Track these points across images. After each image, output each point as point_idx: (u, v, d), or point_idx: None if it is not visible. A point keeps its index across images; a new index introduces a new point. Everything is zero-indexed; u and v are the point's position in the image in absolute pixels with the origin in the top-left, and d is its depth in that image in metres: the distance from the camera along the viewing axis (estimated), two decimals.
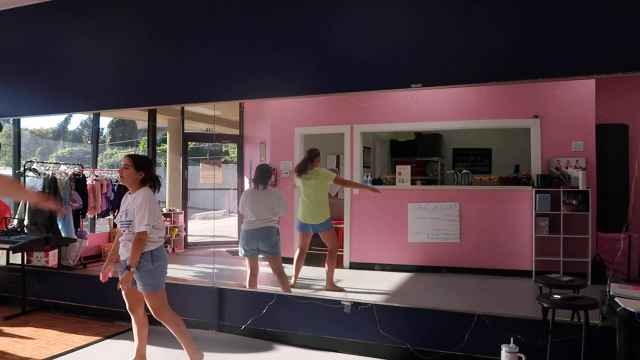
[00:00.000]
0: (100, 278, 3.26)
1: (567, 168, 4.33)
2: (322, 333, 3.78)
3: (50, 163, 5.47)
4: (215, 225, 4.85)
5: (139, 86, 4.53)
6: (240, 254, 4.29)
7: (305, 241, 4.60)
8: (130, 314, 3.23)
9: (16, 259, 4.88)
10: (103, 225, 5.98)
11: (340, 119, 5.02)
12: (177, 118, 6.04)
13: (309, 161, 4.54)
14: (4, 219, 5.16)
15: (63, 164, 5.45)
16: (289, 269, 4.46)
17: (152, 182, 3.17)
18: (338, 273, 4.57)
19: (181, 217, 6.11)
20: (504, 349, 3.01)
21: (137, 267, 3.06)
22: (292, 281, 4.48)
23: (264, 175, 4.32)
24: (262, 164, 4.77)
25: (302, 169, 4.56)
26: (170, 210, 6.11)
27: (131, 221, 3.06)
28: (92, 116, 6.28)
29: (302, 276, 4.69)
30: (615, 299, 2.58)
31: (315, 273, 4.81)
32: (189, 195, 6.17)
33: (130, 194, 3.16)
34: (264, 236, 4.20)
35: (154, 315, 3.14)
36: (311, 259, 5.21)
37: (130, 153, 3.78)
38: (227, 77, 4.13)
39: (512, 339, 3.08)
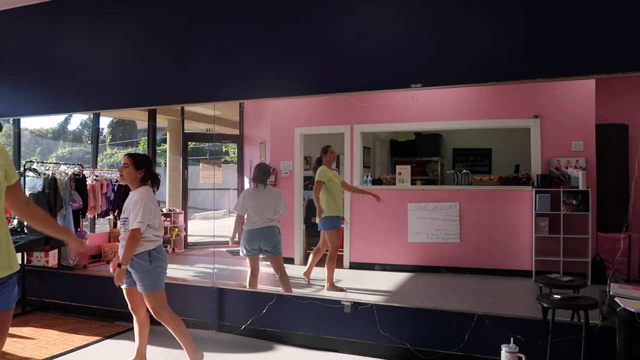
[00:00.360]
0: (111, 269, 3.29)
1: (567, 168, 4.33)
2: (322, 333, 3.78)
3: (50, 163, 5.47)
4: (215, 225, 4.85)
5: (139, 86, 4.53)
6: (241, 253, 4.28)
7: (322, 239, 4.62)
8: (132, 314, 3.23)
9: None
10: (103, 225, 5.99)
11: (340, 119, 5.02)
12: (177, 118, 6.04)
13: (319, 158, 4.59)
14: None
15: (63, 164, 5.45)
16: (290, 269, 4.46)
17: (152, 180, 3.18)
18: (338, 273, 4.57)
19: (181, 217, 6.12)
20: (504, 349, 3.01)
21: (135, 268, 3.06)
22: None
23: (264, 174, 4.32)
24: (261, 163, 4.78)
25: (313, 167, 4.68)
26: (170, 210, 6.11)
27: (127, 218, 3.06)
28: (92, 116, 6.28)
29: (301, 276, 4.69)
30: (615, 299, 2.58)
31: (315, 273, 4.81)
32: (189, 195, 6.17)
33: (131, 190, 3.17)
34: (265, 236, 4.20)
35: (153, 315, 3.14)
36: None
37: (130, 152, 3.78)
38: (227, 77, 4.13)
39: (512, 339, 3.08)
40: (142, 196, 3.04)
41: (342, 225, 4.62)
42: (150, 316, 3.23)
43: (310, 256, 4.66)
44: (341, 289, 4.43)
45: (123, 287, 3.19)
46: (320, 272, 4.65)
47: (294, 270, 4.75)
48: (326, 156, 4.57)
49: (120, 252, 3.13)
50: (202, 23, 4.21)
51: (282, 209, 4.28)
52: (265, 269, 4.41)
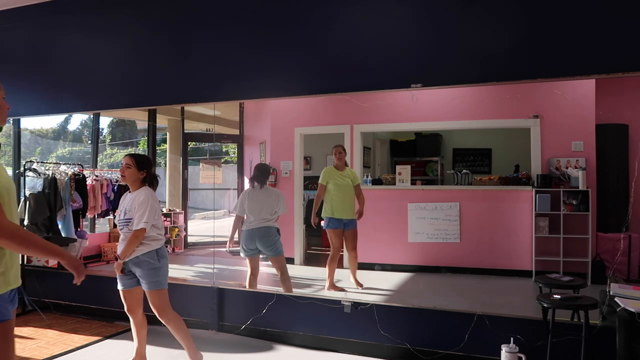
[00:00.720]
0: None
1: (567, 168, 4.32)
2: (322, 333, 3.78)
3: (50, 163, 5.47)
4: (215, 225, 4.84)
5: (139, 86, 4.53)
6: (241, 254, 4.29)
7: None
8: (129, 315, 3.23)
9: None
10: (103, 225, 5.98)
11: (340, 119, 5.01)
12: (177, 118, 6.04)
13: None
14: None
15: (63, 164, 5.45)
16: (290, 269, 4.44)
17: (152, 181, 3.20)
18: (338, 273, 4.57)
19: (181, 217, 6.11)
20: (504, 349, 3.01)
21: (143, 267, 3.07)
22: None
23: (261, 175, 4.31)
24: (261, 163, 4.77)
25: None
26: (170, 210, 6.11)
27: (131, 219, 3.07)
28: (92, 116, 6.28)
29: (301, 276, 4.69)
30: (615, 299, 2.58)
31: (315, 273, 4.81)
32: (189, 195, 6.16)
33: (130, 192, 3.17)
34: (261, 236, 4.19)
35: (157, 315, 3.14)
36: (311, 259, 5.22)
37: (131, 152, 3.77)
38: (227, 77, 4.13)
39: (512, 339, 3.08)
40: (148, 197, 3.07)
41: (343, 227, 4.55)
42: (148, 316, 3.23)
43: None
44: (341, 289, 4.43)
45: (120, 288, 3.19)
46: (320, 272, 4.65)
47: (294, 270, 4.75)
48: (334, 156, 4.57)
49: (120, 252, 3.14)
50: (202, 23, 4.21)
51: (281, 209, 4.26)
52: (266, 269, 4.41)
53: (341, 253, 4.63)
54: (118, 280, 3.20)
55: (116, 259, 3.10)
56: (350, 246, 4.50)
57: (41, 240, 1.82)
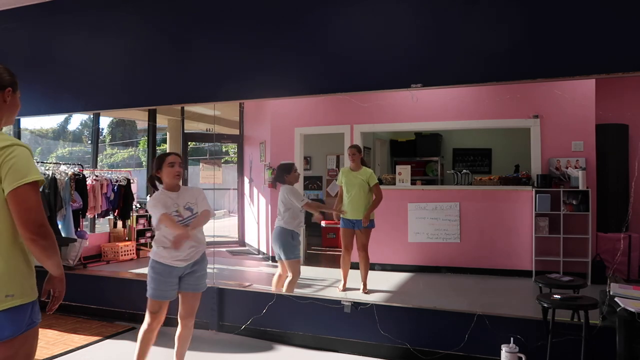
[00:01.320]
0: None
1: (567, 168, 4.32)
2: (322, 333, 3.78)
3: (50, 163, 5.47)
4: (215, 225, 4.84)
5: (139, 86, 4.53)
6: None
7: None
8: (180, 322, 3.08)
9: None
10: (103, 225, 5.98)
11: (340, 119, 5.01)
12: (177, 118, 6.04)
13: None
14: None
15: (63, 164, 5.45)
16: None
17: None
18: (338, 273, 4.56)
19: None
20: (504, 349, 3.02)
21: (204, 265, 3.16)
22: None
23: (278, 174, 4.28)
24: (280, 163, 4.70)
25: None
26: None
27: (197, 212, 3.15)
28: (92, 116, 6.28)
29: (301, 276, 4.67)
30: (615, 299, 2.58)
31: (315, 273, 4.80)
32: None
33: (173, 191, 3.07)
34: (274, 237, 4.18)
35: (184, 318, 3.05)
36: (311, 259, 5.21)
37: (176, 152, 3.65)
38: (227, 77, 4.13)
39: (512, 339, 3.08)
40: (200, 189, 3.25)
41: (353, 227, 4.50)
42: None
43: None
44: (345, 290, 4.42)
45: (158, 298, 3.01)
46: (320, 272, 4.64)
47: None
48: (350, 156, 4.55)
49: (185, 249, 3.06)
50: (203, 23, 4.21)
51: (297, 202, 4.11)
52: (269, 269, 4.39)
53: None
54: (156, 288, 2.98)
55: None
56: (358, 244, 4.43)
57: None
